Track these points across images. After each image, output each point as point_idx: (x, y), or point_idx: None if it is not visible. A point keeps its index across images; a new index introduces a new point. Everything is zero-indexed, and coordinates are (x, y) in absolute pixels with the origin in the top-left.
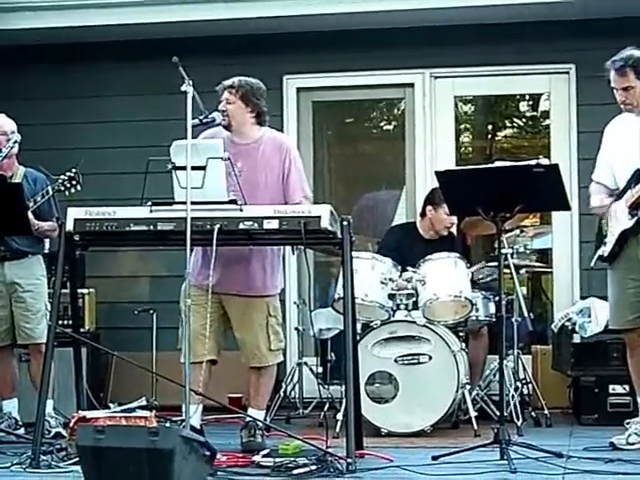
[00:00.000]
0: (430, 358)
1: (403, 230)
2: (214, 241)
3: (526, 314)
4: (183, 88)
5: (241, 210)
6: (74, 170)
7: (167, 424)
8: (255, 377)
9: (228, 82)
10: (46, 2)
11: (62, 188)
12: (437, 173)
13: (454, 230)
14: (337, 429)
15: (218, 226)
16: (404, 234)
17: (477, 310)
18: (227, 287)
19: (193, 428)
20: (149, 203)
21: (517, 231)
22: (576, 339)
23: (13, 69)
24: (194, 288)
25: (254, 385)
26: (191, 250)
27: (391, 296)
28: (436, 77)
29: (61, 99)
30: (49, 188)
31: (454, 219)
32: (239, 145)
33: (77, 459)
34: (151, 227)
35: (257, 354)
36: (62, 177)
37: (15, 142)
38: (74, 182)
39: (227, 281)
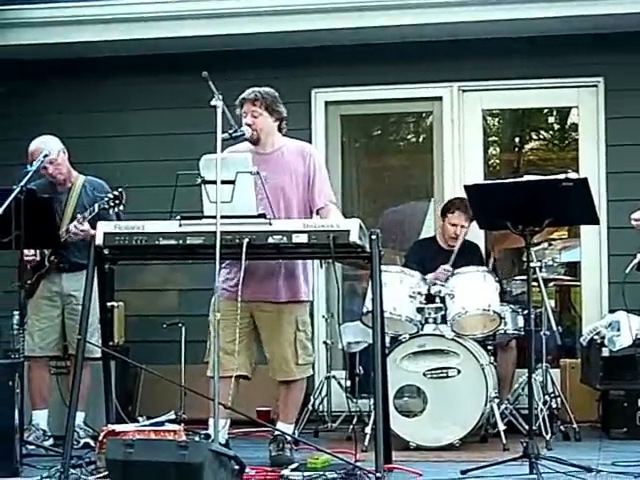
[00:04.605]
0: (459, 372)
1: (424, 244)
2: (243, 255)
3: (555, 327)
4: (213, 102)
5: (270, 224)
6: (120, 190)
7: (196, 438)
8: (284, 391)
9: (249, 95)
10: (72, 17)
11: (107, 206)
12: (466, 187)
13: (481, 243)
14: (365, 443)
15: (247, 240)
16: (425, 248)
17: (505, 324)
18: (257, 296)
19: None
20: (178, 217)
21: (545, 244)
22: (605, 353)
23: (41, 84)
24: (224, 302)
25: (283, 399)
26: (221, 263)
27: (420, 310)
28: (464, 90)
29: (89, 113)
30: (95, 206)
31: (459, 230)
32: (263, 155)
33: (106, 473)
34: (180, 241)
35: (284, 369)
36: (108, 195)
37: (45, 156)
38: (117, 202)
39: (257, 290)
